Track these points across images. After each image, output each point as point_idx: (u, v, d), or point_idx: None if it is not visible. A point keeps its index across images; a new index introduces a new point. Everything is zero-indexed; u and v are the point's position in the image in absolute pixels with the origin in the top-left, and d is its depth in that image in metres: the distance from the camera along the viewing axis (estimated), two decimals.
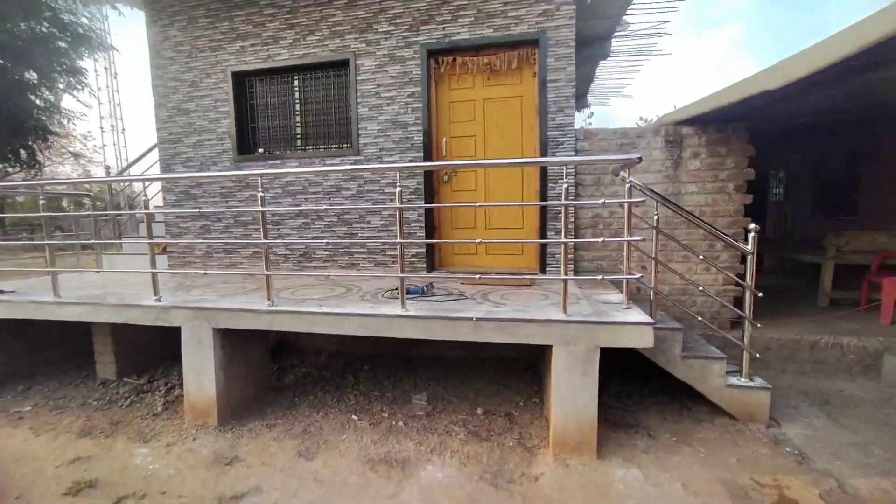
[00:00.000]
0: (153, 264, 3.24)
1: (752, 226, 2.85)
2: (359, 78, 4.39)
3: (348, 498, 2.35)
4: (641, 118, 16.67)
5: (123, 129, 24.67)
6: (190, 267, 5.06)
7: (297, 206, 4.67)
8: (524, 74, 4.13)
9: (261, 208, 2.95)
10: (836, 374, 3.81)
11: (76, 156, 17.39)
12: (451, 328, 2.68)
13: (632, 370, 3.60)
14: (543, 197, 3.98)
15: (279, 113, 4.81)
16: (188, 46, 4.84)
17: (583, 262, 4.19)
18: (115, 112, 24.03)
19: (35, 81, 6.47)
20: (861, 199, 5.85)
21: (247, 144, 4.88)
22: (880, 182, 5.58)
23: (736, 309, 3.08)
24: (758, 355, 3.17)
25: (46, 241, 3.50)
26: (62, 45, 6.51)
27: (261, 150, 4.88)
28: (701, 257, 3.10)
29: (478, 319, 2.63)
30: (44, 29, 6.24)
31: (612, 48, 7.11)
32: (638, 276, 2.57)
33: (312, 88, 4.67)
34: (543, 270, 4.19)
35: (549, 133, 3.99)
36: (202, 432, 3.08)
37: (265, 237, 2.98)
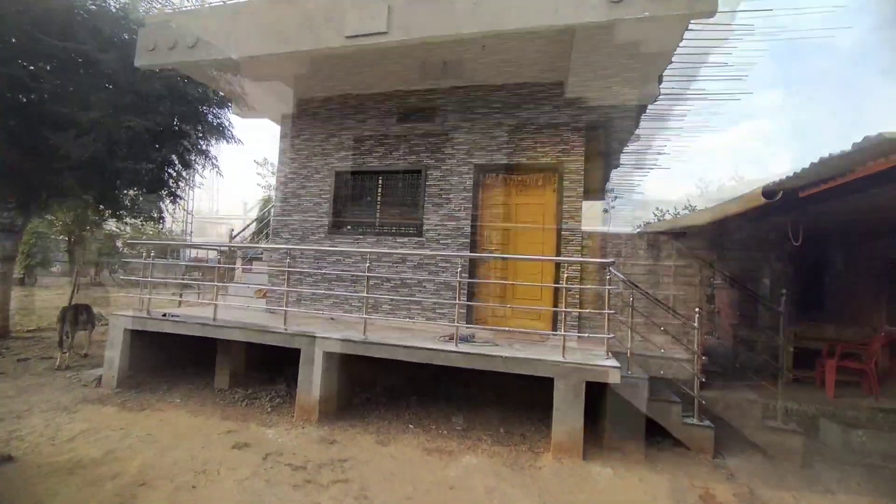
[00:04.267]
0: (286, 304, 4.79)
1: (697, 309, 4.19)
2: (427, 183, 6.15)
3: (414, 466, 3.61)
4: (658, 209, 18.46)
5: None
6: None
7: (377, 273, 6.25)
8: (546, 190, 5.78)
9: (367, 274, 4.52)
10: (784, 431, 4.83)
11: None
12: (488, 362, 4.03)
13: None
14: (556, 279, 5.43)
15: (365, 202, 6.58)
16: (307, 152, 6.81)
17: (586, 328, 5.50)
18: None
19: (174, 159, 8.74)
20: (827, 297, 7.01)
21: (339, 223, 6.63)
22: (845, 284, 6.78)
23: (687, 366, 4.32)
24: (704, 402, 4.28)
25: (209, 283, 5.14)
26: (200, 133, 8.86)
27: (348, 228, 6.61)
28: (662, 329, 4.41)
29: (506, 358, 3.99)
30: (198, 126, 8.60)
31: (621, 161, 8.91)
32: (611, 335, 3.92)
33: (391, 187, 6.46)
34: (555, 331, 5.51)
35: (563, 232, 5.53)
36: (308, 424, 4.41)
37: (367, 293, 4.51)
